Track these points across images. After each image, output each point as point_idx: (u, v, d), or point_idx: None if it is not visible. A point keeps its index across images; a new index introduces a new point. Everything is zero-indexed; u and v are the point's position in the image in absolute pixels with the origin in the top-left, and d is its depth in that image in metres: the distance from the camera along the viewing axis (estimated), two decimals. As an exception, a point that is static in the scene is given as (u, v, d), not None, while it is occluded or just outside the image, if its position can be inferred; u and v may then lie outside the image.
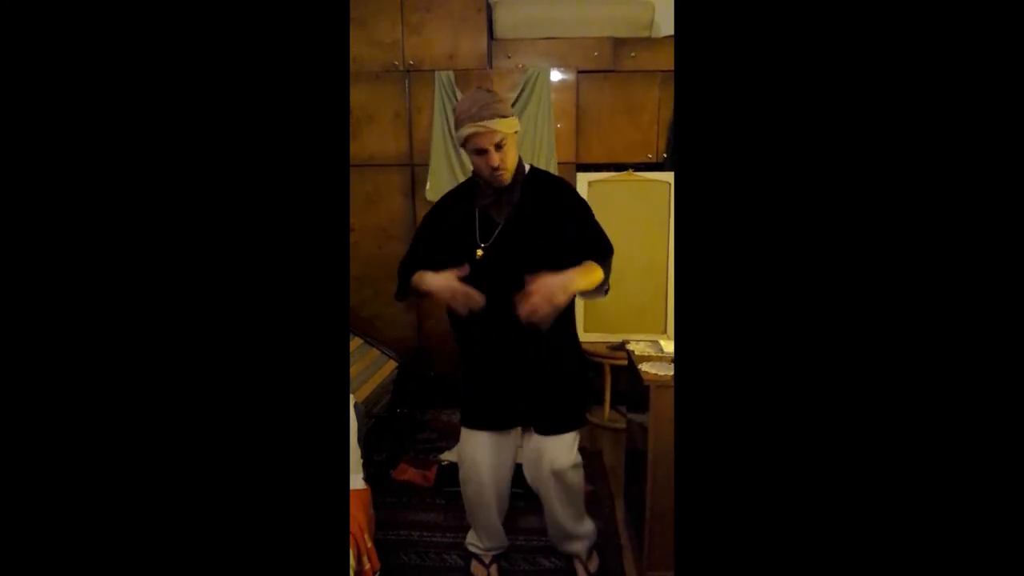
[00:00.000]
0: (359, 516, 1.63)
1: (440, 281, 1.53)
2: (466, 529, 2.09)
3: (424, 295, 1.63)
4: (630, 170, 3.06)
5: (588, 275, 1.52)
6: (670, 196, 3.01)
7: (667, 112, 3.05)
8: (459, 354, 1.78)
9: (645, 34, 3.14)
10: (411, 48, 3.05)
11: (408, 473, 2.59)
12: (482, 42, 3.03)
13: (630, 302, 3.12)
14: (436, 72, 3.01)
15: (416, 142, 3.11)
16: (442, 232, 1.68)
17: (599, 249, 1.61)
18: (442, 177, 3.07)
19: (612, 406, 3.13)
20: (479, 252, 1.60)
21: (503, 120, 1.48)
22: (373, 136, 3.12)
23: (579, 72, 3.03)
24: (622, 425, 2.96)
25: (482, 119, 1.46)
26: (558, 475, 1.71)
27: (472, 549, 1.98)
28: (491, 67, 3.08)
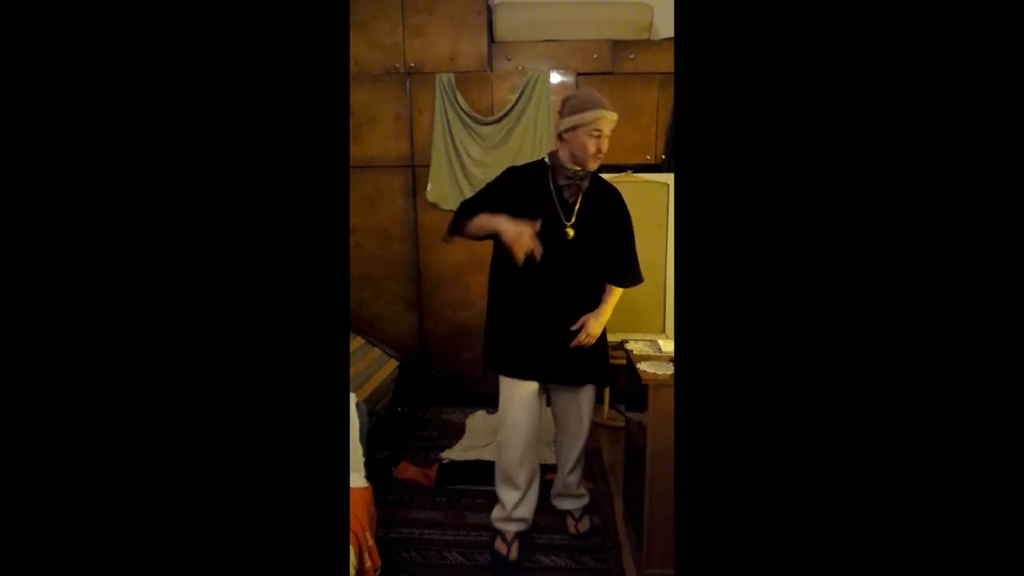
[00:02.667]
0: (360, 514, 1.64)
1: (514, 226, 1.74)
2: (466, 527, 2.13)
3: (479, 236, 1.85)
4: (629, 171, 3.07)
5: (614, 302, 1.93)
6: (669, 197, 3.02)
7: (666, 114, 3.07)
8: (488, 306, 2.00)
9: (644, 36, 3.16)
10: (412, 50, 3.06)
11: (409, 471, 2.60)
12: (482, 44, 3.05)
13: (629, 302, 3.11)
14: (437, 74, 3.02)
15: (417, 144, 3.13)
16: (515, 198, 1.84)
17: (631, 271, 1.97)
18: (443, 178, 3.09)
19: (611, 405, 3.15)
20: (570, 232, 1.85)
21: (611, 113, 1.76)
22: (374, 138, 3.13)
23: (578, 74, 3.04)
24: (621, 424, 2.97)
25: (606, 107, 1.74)
26: (579, 419, 2.00)
27: (497, 525, 2.05)
28: (491, 69, 3.09)
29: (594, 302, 1.90)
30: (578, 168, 1.81)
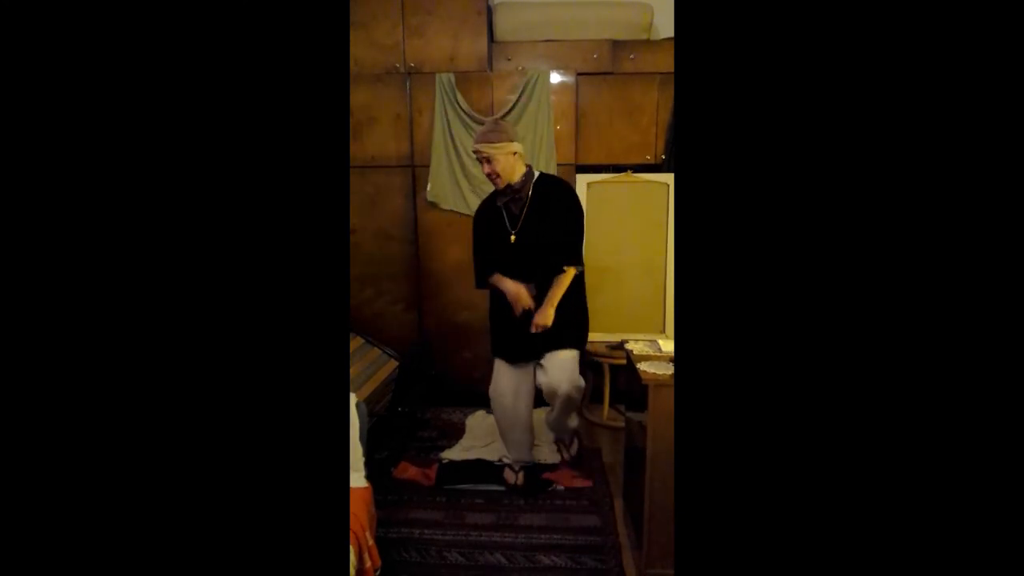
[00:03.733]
0: (360, 514, 1.65)
1: (512, 287, 2.30)
2: (466, 527, 2.18)
3: (497, 290, 2.35)
4: (629, 171, 3.07)
5: (562, 287, 2.30)
6: (669, 197, 3.02)
7: (666, 114, 3.07)
8: (489, 307, 2.52)
9: (644, 36, 3.16)
10: (412, 50, 3.06)
11: (409, 471, 2.60)
12: (482, 44, 3.05)
13: (629, 302, 3.14)
14: (437, 74, 3.02)
15: (417, 144, 3.12)
16: (484, 227, 2.40)
17: (574, 252, 2.33)
18: (442, 178, 3.09)
19: (611, 405, 3.15)
20: (512, 237, 2.32)
21: (490, 145, 2.21)
22: (374, 138, 3.13)
23: (578, 74, 3.04)
24: (621, 424, 2.97)
25: (485, 141, 2.22)
26: (553, 382, 2.37)
27: (504, 460, 2.57)
28: (491, 69, 3.09)
29: (543, 289, 2.31)
30: (497, 187, 2.29)
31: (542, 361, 2.41)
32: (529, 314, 2.29)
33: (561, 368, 2.36)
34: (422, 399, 3.23)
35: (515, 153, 2.25)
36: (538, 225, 2.29)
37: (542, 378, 2.43)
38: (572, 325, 2.39)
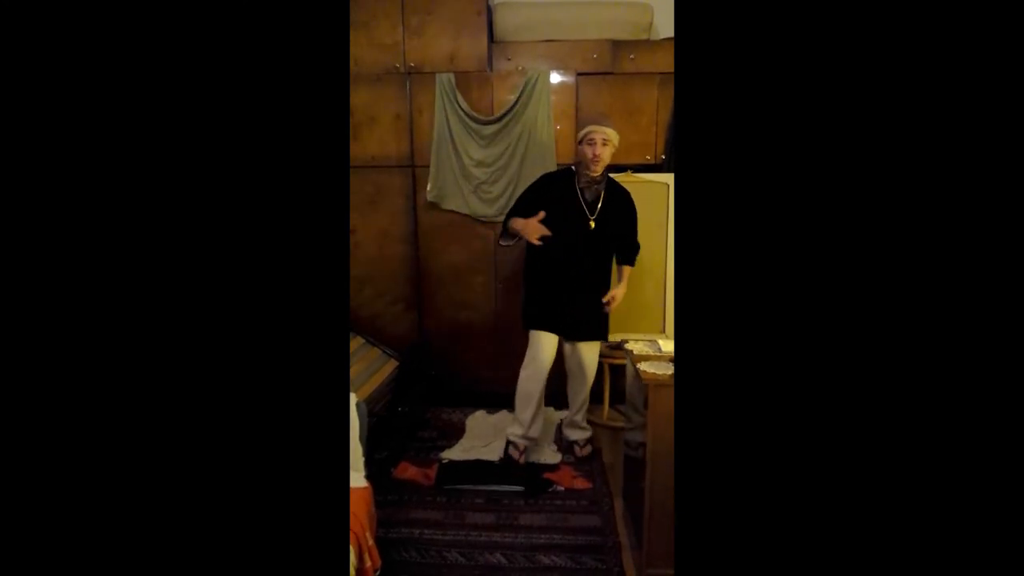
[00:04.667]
0: (360, 514, 1.65)
1: (522, 221, 2.48)
2: (466, 527, 2.19)
3: (514, 234, 2.56)
4: (629, 171, 3.07)
5: (628, 276, 2.62)
6: (669, 197, 3.02)
7: (666, 113, 3.07)
8: (524, 281, 2.73)
9: (644, 36, 3.16)
10: (412, 50, 3.06)
11: (409, 471, 2.60)
12: (482, 44, 3.05)
13: (629, 302, 3.13)
14: (437, 74, 3.02)
15: (417, 144, 3.13)
16: (545, 200, 2.50)
17: (635, 253, 2.66)
18: (442, 178, 3.09)
19: (611, 405, 3.15)
20: (592, 223, 2.49)
21: (610, 129, 2.40)
22: (374, 138, 3.13)
23: (578, 74, 3.04)
24: (621, 424, 2.97)
25: (599, 123, 2.40)
26: (586, 367, 2.67)
27: (511, 438, 2.70)
28: (491, 69, 3.09)
29: (605, 276, 2.56)
30: (590, 173, 2.44)
31: (579, 344, 2.63)
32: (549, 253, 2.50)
33: (593, 353, 2.67)
34: (422, 399, 3.23)
35: (615, 144, 2.44)
36: (612, 219, 2.51)
37: (574, 358, 2.67)
38: (606, 318, 2.63)
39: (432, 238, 3.19)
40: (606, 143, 2.39)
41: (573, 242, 2.47)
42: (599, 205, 2.48)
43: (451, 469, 2.60)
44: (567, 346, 2.67)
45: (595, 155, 2.38)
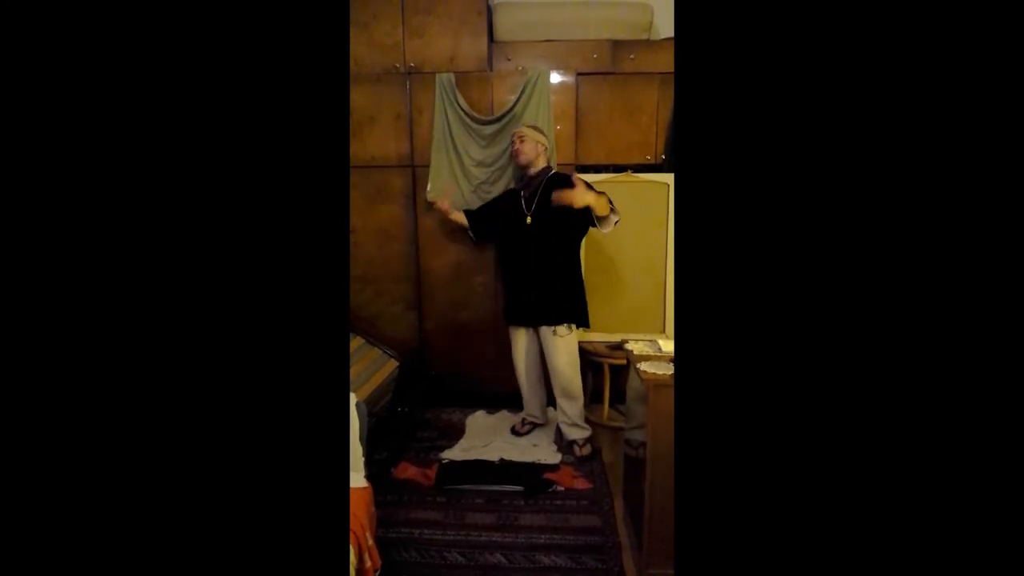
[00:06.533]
0: (360, 514, 1.65)
1: (447, 205, 2.92)
2: (466, 527, 2.20)
3: (468, 226, 2.93)
4: (629, 171, 3.07)
5: (593, 193, 2.41)
6: (669, 197, 3.03)
7: (666, 113, 3.07)
8: (501, 276, 3.01)
9: (644, 36, 3.15)
10: (412, 50, 3.06)
11: (409, 471, 2.60)
12: (482, 44, 3.05)
13: (629, 302, 3.14)
14: (437, 74, 3.02)
15: (417, 144, 3.12)
16: (494, 205, 2.90)
17: (596, 224, 2.58)
18: (443, 178, 3.09)
19: (611, 405, 3.15)
20: (528, 219, 2.69)
21: (527, 127, 2.71)
22: (374, 137, 3.13)
23: (578, 74, 3.04)
24: (621, 424, 2.97)
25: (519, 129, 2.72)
26: (552, 357, 2.74)
27: (519, 416, 3.03)
28: (491, 69, 3.09)
29: (558, 267, 2.67)
30: (524, 172, 2.74)
31: (543, 332, 2.73)
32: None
33: (561, 343, 2.71)
34: (422, 399, 3.23)
35: (542, 145, 2.69)
36: (552, 212, 2.58)
37: (545, 349, 2.76)
38: (566, 300, 2.70)
39: (432, 238, 3.19)
40: (523, 140, 2.66)
41: (515, 239, 2.72)
42: (535, 201, 2.67)
43: (451, 469, 2.60)
44: (542, 342, 2.80)
45: (514, 151, 2.71)
